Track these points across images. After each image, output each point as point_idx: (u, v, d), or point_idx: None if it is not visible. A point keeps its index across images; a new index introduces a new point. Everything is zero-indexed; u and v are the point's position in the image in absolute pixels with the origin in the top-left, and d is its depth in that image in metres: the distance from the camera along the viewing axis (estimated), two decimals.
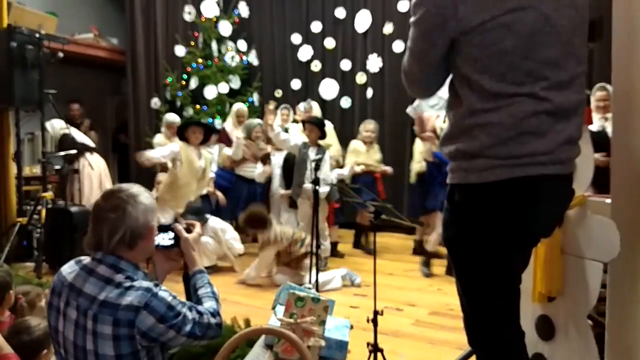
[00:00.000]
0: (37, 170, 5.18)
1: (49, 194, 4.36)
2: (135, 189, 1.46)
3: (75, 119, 5.88)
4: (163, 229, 1.58)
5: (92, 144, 5.24)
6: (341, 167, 5.00)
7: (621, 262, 1.69)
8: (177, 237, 1.59)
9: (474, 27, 1.25)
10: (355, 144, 5.11)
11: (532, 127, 1.27)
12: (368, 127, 5.15)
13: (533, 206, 1.32)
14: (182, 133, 4.64)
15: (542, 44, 1.27)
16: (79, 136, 5.12)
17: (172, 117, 5.51)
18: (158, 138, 5.48)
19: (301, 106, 5.66)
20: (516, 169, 1.28)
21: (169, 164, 4.54)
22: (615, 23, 1.50)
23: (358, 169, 4.89)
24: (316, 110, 5.54)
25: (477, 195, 1.33)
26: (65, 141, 4.79)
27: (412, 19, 1.36)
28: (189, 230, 1.63)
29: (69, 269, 1.43)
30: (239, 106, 5.74)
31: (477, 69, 1.29)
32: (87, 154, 4.98)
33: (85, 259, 1.44)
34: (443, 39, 1.31)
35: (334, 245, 4.85)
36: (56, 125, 4.98)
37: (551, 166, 1.30)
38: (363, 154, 5.02)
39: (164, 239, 1.58)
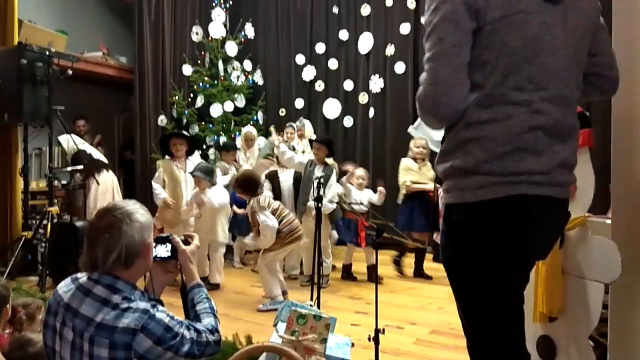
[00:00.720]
0: (43, 184, 5.22)
1: (54, 209, 4.38)
2: (130, 206, 1.42)
3: (80, 134, 5.94)
4: (161, 240, 1.56)
5: (105, 160, 5.22)
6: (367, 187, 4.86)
7: (623, 283, 1.70)
8: (174, 249, 1.56)
9: (486, 22, 1.28)
10: (406, 162, 4.76)
11: (528, 143, 1.28)
12: (418, 142, 4.63)
13: (528, 225, 1.32)
14: (165, 147, 4.49)
15: (544, 51, 1.30)
16: (95, 153, 5.10)
17: None
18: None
19: (295, 124, 5.62)
20: (512, 187, 1.28)
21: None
22: (615, 47, 1.54)
23: (418, 187, 4.60)
24: (308, 130, 5.52)
25: (473, 214, 1.33)
26: (80, 157, 4.77)
27: (434, 21, 1.30)
28: (186, 242, 1.60)
29: (65, 288, 1.41)
30: (247, 129, 5.76)
31: (485, 73, 1.30)
32: (103, 170, 4.94)
33: (82, 277, 1.41)
34: (470, 28, 1.28)
35: (348, 266, 4.73)
36: (71, 141, 5.01)
37: (548, 187, 1.31)
38: (416, 172, 4.69)
39: (162, 251, 1.55)
